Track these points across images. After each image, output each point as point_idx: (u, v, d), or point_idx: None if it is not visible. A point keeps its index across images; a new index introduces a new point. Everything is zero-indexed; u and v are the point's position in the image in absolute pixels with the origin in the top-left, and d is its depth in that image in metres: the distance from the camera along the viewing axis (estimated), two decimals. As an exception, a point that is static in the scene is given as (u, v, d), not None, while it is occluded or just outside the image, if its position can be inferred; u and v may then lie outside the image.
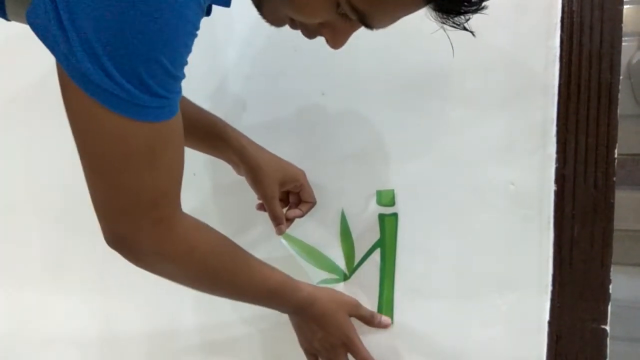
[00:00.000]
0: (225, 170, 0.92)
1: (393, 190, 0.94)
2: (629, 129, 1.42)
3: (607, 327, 0.87)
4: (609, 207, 0.87)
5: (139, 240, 0.63)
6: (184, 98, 0.82)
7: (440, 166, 0.92)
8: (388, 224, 0.95)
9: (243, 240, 0.77)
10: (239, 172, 0.91)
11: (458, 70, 0.90)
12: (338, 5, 0.59)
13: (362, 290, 0.95)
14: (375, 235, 0.95)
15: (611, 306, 0.87)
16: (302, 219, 0.95)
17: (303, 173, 0.94)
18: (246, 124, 0.96)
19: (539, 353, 0.89)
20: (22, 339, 1.11)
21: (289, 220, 0.94)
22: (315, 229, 0.98)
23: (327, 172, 0.96)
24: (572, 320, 0.88)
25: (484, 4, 0.58)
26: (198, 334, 1.03)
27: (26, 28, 0.56)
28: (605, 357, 0.88)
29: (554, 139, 0.89)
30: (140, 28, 0.51)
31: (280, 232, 0.92)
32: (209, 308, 1.02)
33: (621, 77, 0.87)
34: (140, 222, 0.62)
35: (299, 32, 0.66)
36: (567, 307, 0.88)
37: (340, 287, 0.97)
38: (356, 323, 0.90)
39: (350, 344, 0.87)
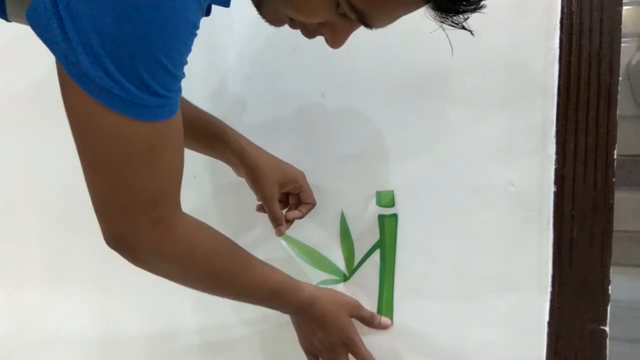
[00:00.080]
0: (224, 171, 0.92)
1: (393, 191, 0.94)
2: (629, 130, 1.42)
3: (607, 328, 0.87)
4: (609, 208, 0.88)
5: (138, 240, 0.63)
6: (183, 99, 0.82)
7: (440, 166, 0.92)
8: (388, 225, 0.95)
9: (243, 242, 0.77)
10: (239, 174, 0.91)
11: (458, 70, 0.90)
12: (337, 4, 0.59)
13: (362, 291, 0.95)
14: (375, 236, 0.95)
15: (611, 307, 0.87)
16: (302, 220, 0.95)
17: (302, 174, 0.94)
18: (246, 124, 0.96)
19: (539, 353, 0.89)
20: (22, 339, 1.10)
21: (289, 222, 0.94)
22: (315, 230, 0.98)
23: (326, 173, 0.96)
24: (571, 320, 0.88)
25: (482, 3, 0.59)
26: (198, 334, 1.03)
27: (26, 29, 0.56)
28: (605, 358, 0.87)
29: (553, 140, 0.89)
30: (140, 27, 0.51)
31: (279, 233, 0.92)
32: (209, 309, 1.01)
33: (620, 78, 0.88)
34: (139, 222, 0.62)
35: (298, 32, 0.67)
36: (567, 308, 0.88)
37: (340, 288, 0.97)
38: (356, 324, 0.90)
39: (351, 344, 0.87)
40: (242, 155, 0.88)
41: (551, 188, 0.89)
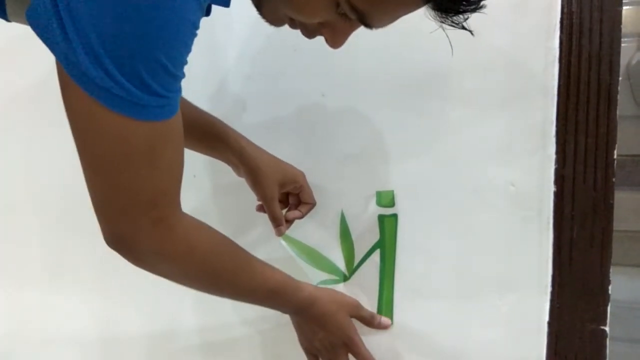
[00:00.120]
0: (225, 171, 0.92)
1: (393, 191, 0.94)
2: (629, 129, 1.42)
3: (607, 328, 0.87)
4: (609, 208, 0.88)
5: (138, 240, 0.63)
6: (183, 99, 0.82)
7: (440, 166, 0.92)
8: (388, 225, 0.95)
9: (243, 242, 0.77)
10: (239, 174, 0.91)
11: (458, 70, 0.90)
12: (337, 5, 0.59)
13: (362, 291, 0.95)
14: (375, 236, 0.95)
15: (611, 307, 0.87)
16: (302, 220, 0.95)
17: (302, 174, 0.94)
18: (246, 124, 0.96)
19: (539, 353, 0.89)
20: (22, 339, 1.10)
21: (289, 222, 0.94)
22: (315, 230, 0.98)
23: (326, 173, 0.96)
24: (571, 320, 0.88)
25: (482, 3, 0.59)
26: (198, 334, 1.03)
27: (26, 29, 0.56)
28: (605, 358, 0.87)
29: (553, 140, 0.89)
30: (140, 27, 0.51)
31: (280, 233, 0.92)
32: (209, 309, 1.01)
33: (620, 78, 0.88)
34: (139, 222, 0.62)
35: (298, 32, 0.66)
36: (567, 308, 0.88)
37: (340, 288, 0.97)
38: (356, 324, 0.90)
39: (351, 344, 0.87)
40: (242, 155, 0.88)
41: (551, 188, 0.89)
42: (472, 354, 0.91)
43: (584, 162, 0.88)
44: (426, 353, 0.93)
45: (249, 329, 1.01)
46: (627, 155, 1.43)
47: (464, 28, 0.61)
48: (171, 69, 0.55)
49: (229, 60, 1.00)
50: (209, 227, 0.72)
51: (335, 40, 0.65)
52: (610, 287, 0.87)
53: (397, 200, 0.94)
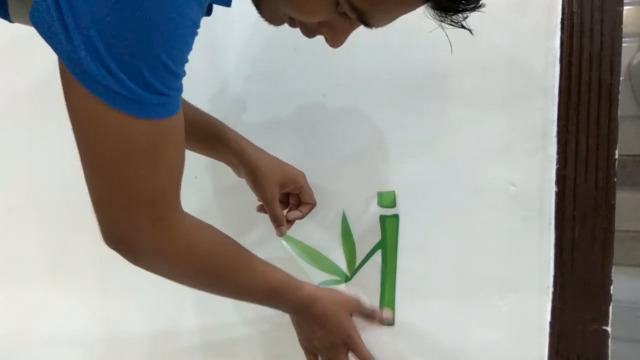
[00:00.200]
0: (225, 172, 0.92)
1: (394, 192, 0.94)
2: (630, 130, 1.42)
3: (609, 328, 0.87)
4: (610, 208, 0.88)
5: (138, 239, 0.63)
6: (183, 100, 0.82)
7: (441, 166, 0.92)
8: (389, 226, 0.95)
9: (244, 242, 0.77)
10: (239, 175, 0.91)
11: (459, 70, 0.90)
12: (337, 4, 0.59)
13: (364, 292, 0.95)
14: (376, 237, 0.95)
15: (612, 307, 0.87)
16: (303, 220, 0.95)
17: (303, 175, 0.94)
18: (246, 124, 0.97)
19: (540, 354, 0.89)
20: (22, 339, 1.10)
21: (290, 222, 0.93)
22: (315, 230, 0.98)
23: (327, 173, 0.96)
24: (573, 321, 0.88)
25: (481, 2, 0.59)
26: (198, 334, 1.03)
27: (27, 29, 0.56)
28: (607, 358, 0.87)
29: (554, 140, 0.89)
30: (141, 25, 0.51)
31: (280, 233, 0.91)
32: (210, 308, 1.01)
33: (621, 78, 0.88)
34: (139, 221, 0.61)
35: (298, 32, 0.66)
36: (569, 308, 0.88)
37: (342, 288, 0.97)
38: (357, 323, 0.90)
39: (351, 343, 0.87)
40: (242, 156, 0.88)
41: (552, 188, 0.89)
42: (473, 354, 0.91)
43: (585, 162, 0.88)
44: (427, 353, 0.93)
45: (250, 328, 1.00)
46: (628, 155, 1.43)
47: (463, 27, 0.61)
48: (172, 67, 0.55)
49: (229, 60, 1.00)
50: (210, 226, 0.72)
51: (335, 39, 0.65)
52: (612, 287, 0.87)
53: (397, 200, 0.94)
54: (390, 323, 0.94)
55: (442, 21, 0.60)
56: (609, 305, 0.87)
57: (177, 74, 0.57)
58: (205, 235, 0.71)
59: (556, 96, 0.89)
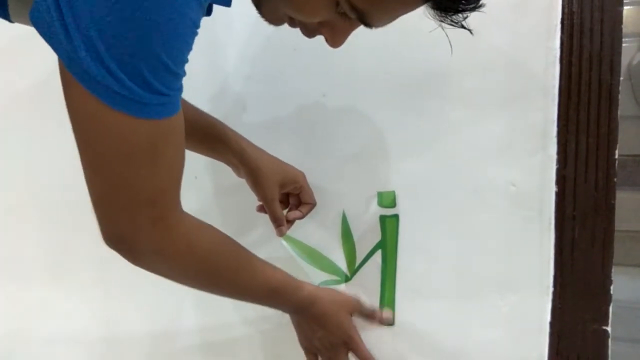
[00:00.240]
0: (225, 172, 0.92)
1: (394, 192, 0.94)
2: (630, 130, 1.42)
3: (609, 328, 0.87)
4: (610, 208, 0.88)
5: (137, 239, 0.63)
6: (183, 100, 0.82)
7: (441, 166, 0.92)
8: (389, 226, 0.95)
9: (244, 242, 0.77)
10: (239, 175, 0.91)
11: (459, 70, 0.90)
12: (337, 4, 0.59)
13: (364, 292, 0.95)
14: (377, 237, 0.95)
15: (612, 307, 0.87)
16: (303, 220, 0.95)
17: (303, 175, 0.94)
18: (246, 124, 0.97)
19: (540, 354, 0.89)
20: (22, 339, 1.10)
21: (290, 222, 0.93)
22: (315, 230, 0.98)
23: (327, 173, 0.96)
24: (573, 321, 0.88)
25: (481, 2, 0.59)
26: (198, 334, 1.03)
27: (27, 30, 0.56)
28: (607, 358, 0.87)
29: (554, 140, 0.89)
30: (141, 25, 0.51)
31: (281, 233, 0.91)
32: (210, 308, 1.01)
33: (621, 78, 0.88)
34: (139, 221, 0.61)
35: (298, 32, 0.66)
36: (569, 308, 0.88)
37: (342, 288, 0.97)
38: (357, 322, 0.90)
39: (351, 343, 0.87)
40: (242, 156, 0.88)
41: (552, 188, 0.89)
42: (473, 354, 0.91)
43: (585, 162, 0.88)
44: (427, 353, 0.93)
45: (250, 329, 1.00)
46: (628, 155, 1.43)
47: (463, 27, 0.61)
48: (172, 67, 0.55)
49: (229, 60, 1.00)
50: (210, 226, 0.72)
51: (335, 39, 0.65)
52: (612, 287, 0.87)
53: (397, 200, 0.94)
54: (390, 323, 0.94)
55: (442, 21, 0.60)
56: (609, 305, 0.87)
57: (177, 74, 0.57)
58: (205, 235, 0.71)
59: (556, 96, 0.89)
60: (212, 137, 0.88)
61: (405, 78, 0.93)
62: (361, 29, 0.63)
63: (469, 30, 0.62)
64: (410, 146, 0.93)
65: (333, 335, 0.86)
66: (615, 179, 0.87)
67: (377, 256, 0.95)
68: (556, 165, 0.89)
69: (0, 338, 1.11)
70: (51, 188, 1.07)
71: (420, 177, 0.93)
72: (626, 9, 0.89)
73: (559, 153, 0.89)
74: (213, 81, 1.00)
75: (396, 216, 0.94)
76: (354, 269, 0.97)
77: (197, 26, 0.56)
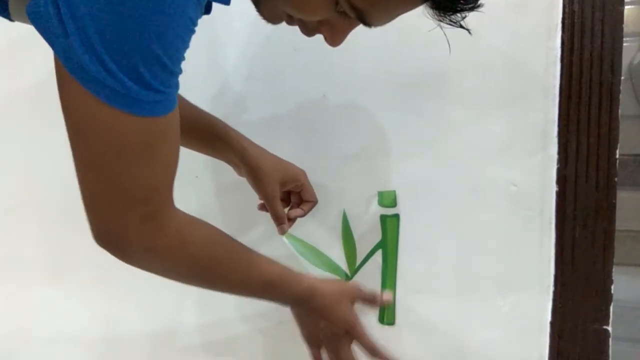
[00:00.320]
0: (226, 171, 0.92)
1: (394, 192, 0.94)
2: (631, 129, 1.41)
3: (609, 328, 0.87)
4: (611, 208, 0.88)
5: (130, 237, 0.61)
6: (183, 99, 0.82)
7: (441, 166, 0.92)
8: (390, 225, 0.95)
9: (245, 240, 0.77)
10: (240, 173, 0.91)
11: (459, 70, 0.90)
12: (337, 3, 0.59)
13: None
14: (377, 236, 0.95)
15: (613, 307, 0.87)
16: (304, 218, 0.94)
17: (304, 173, 0.93)
18: (247, 123, 0.97)
19: (541, 353, 0.89)
20: (22, 339, 1.10)
21: (291, 220, 0.93)
22: (316, 229, 0.98)
23: (327, 172, 0.96)
24: (574, 320, 0.88)
25: (480, 1, 0.58)
26: (199, 332, 1.03)
27: (28, 29, 0.56)
28: (607, 358, 0.87)
29: (555, 140, 0.89)
30: (138, 21, 0.51)
31: (282, 231, 0.91)
32: (210, 307, 1.01)
33: (622, 78, 0.88)
34: (130, 219, 0.60)
35: (298, 31, 0.66)
36: (569, 308, 0.88)
37: (342, 288, 0.96)
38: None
39: (354, 332, 0.85)
40: (243, 155, 0.88)
41: (553, 188, 0.89)
42: (474, 354, 0.91)
43: (586, 162, 0.88)
44: (427, 353, 0.93)
45: (250, 326, 1.00)
46: (629, 155, 1.43)
47: (462, 27, 0.61)
48: (168, 65, 0.54)
49: (229, 59, 1.00)
50: (202, 222, 0.71)
51: (334, 38, 0.65)
52: (612, 287, 0.87)
53: (398, 199, 0.94)
54: (390, 304, 0.93)
55: (440, 21, 0.60)
56: (609, 305, 0.87)
57: (174, 72, 0.56)
58: (197, 231, 0.70)
59: (557, 96, 0.89)
60: (212, 136, 0.88)
61: (405, 78, 0.93)
62: (361, 28, 0.63)
63: (468, 30, 0.62)
64: (410, 146, 0.93)
65: (335, 325, 0.84)
66: (616, 179, 0.87)
67: (378, 256, 0.95)
68: (557, 165, 0.89)
69: (0, 338, 1.11)
70: (51, 188, 1.07)
71: (420, 177, 0.93)
72: (627, 8, 0.89)
73: (559, 153, 0.89)
74: (213, 80, 1.00)
75: (397, 216, 0.94)
76: (354, 268, 0.97)
77: (195, 24, 0.56)
